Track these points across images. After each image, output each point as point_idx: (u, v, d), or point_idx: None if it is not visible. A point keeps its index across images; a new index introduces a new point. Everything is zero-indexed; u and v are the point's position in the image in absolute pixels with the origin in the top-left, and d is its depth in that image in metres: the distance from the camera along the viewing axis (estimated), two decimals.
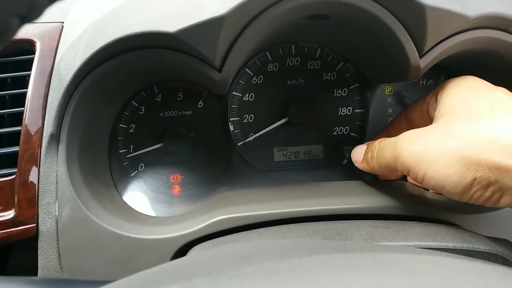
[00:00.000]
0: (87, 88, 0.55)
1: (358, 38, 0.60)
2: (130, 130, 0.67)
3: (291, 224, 0.52)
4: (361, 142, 0.63)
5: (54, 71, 0.57)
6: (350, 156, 0.63)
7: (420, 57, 0.53)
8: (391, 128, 0.63)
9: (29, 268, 0.56)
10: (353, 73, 0.70)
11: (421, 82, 0.72)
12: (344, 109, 0.71)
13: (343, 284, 0.24)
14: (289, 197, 0.58)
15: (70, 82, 0.54)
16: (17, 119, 0.57)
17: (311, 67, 0.70)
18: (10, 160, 0.56)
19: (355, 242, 0.45)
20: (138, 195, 0.66)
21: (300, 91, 0.70)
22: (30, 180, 0.55)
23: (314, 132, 0.71)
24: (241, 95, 0.69)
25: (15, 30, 0.25)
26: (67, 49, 0.57)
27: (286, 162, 0.71)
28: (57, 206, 0.54)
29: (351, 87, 0.71)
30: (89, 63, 0.53)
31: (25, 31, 0.60)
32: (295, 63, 0.70)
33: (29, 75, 0.58)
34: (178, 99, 0.68)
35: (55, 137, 0.55)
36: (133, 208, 0.64)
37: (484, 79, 0.51)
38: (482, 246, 0.45)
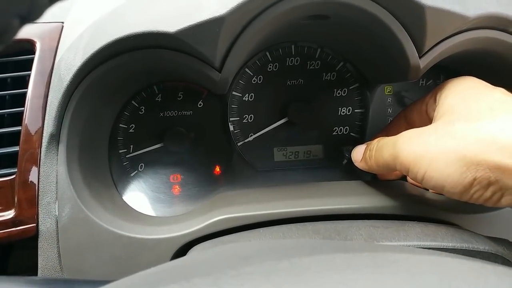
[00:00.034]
0: (87, 88, 0.55)
1: (358, 38, 0.60)
2: (130, 130, 0.67)
3: (291, 224, 0.52)
4: (361, 142, 0.63)
5: (54, 71, 0.57)
6: (350, 156, 0.63)
7: (420, 57, 0.53)
8: (390, 128, 0.63)
9: (29, 268, 0.56)
10: (353, 73, 0.70)
11: (420, 82, 0.72)
12: (344, 109, 0.71)
13: (343, 284, 0.24)
14: (289, 197, 0.58)
15: (70, 82, 0.54)
16: (17, 119, 0.57)
17: (311, 67, 0.70)
18: (10, 160, 0.56)
19: (355, 242, 0.45)
20: (138, 195, 0.66)
21: (300, 91, 0.70)
22: (30, 180, 0.55)
23: (314, 132, 0.71)
24: (241, 95, 0.69)
25: (16, 30, 0.25)
26: (67, 49, 0.57)
27: (286, 162, 0.71)
28: (57, 206, 0.54)
29: (351, 87, 0.71)
30: (89, 63, 0.53)
31: (25, 31, 0.60)
32: (295, 63, 0.70)
33: (29, 75, 0.58)
34: (178, 99, 0.68)
35: (55, 137, 0.55)
36: (133, 208, 0.64)
37: (483, 79, 0.51)
38: (481, 246, 0.45)
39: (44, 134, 0.56)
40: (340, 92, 0.71)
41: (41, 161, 0.55)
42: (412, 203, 0.56)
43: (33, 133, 0.56)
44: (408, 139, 0.49)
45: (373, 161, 0.55)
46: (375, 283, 0.25)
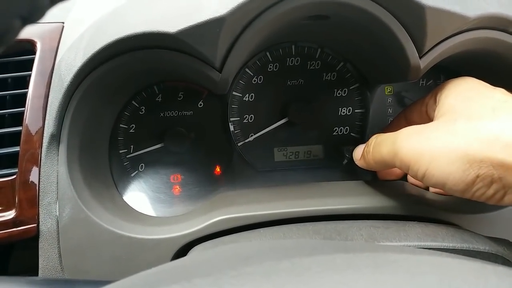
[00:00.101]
0: (88, 88, 0.55)
1: (358, 38, 0.60)
2: (131, 130, 0.67)
3: (292, 224, 0.52)
4: (361, 142, 0.63)
5: (54, 71, 0.57)
6: (351, 156, 0.63)
7: (420, 58, 0.53)
8: (390, 129, 0.62)
9: (30, 268, 0.56)
10: (353, 73, 0.70)
11: (421, 82, 0.72)
12: (344, 109, 0.71)
13: (344, 284, 0.24)
14: (289, 197, 0.58)
15: (70, 82, 0.54)
16: (18, 119, 0.57)
17: (311, 67, 0.70)
18: (11, 160, 0.56)
19: (356, 242, 0.45)
20: (139, 195, 0.66)
21: (300, 91, 0.70)
22: (30, 180, 0.55)
23: (314, 132, 0.71)
24: (241, 95, 0.69)
25: (17, 31, 0.25)
26: (68, 49, 0.57)
27: (286, 162, 0.71)
28: (57, 206, 0.54)
29: (351, 87, 0.71)
30: (89, 63, 0.53)
31: (26, 32, 0.59)
32: (295, 63, 0.70)
33: (29, 75, 0.58)
34: (179, 99, 0.68)
35: (55, 137, 0.55)
36: (133, 208, 0.64)
37: (483, 80, 0.51)
38: (482, 246, 0.45)
39: (44, 134, 0.56)
40: (340, 92, 0.71)
41: (41, 161, 0.55)
42: (413, 203, 0.56)
43: (33, 133, 0.56)
44: (408, 136, 0.49)
45: (371, 157, 0.55)
46: (375, 283, 0.25)
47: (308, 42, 0.69)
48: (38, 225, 0.54)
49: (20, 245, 0.58)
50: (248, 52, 0.60)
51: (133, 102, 0.67)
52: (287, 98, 0.69)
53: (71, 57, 0.55)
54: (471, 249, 0.44)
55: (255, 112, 0.69)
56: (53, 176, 0.55)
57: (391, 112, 0.72)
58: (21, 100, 0.57)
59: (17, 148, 0.56)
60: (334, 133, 0.71)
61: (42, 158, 0.55)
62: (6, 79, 0.59)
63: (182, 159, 0.68)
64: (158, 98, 0.68)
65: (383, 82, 0.69)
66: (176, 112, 0.68)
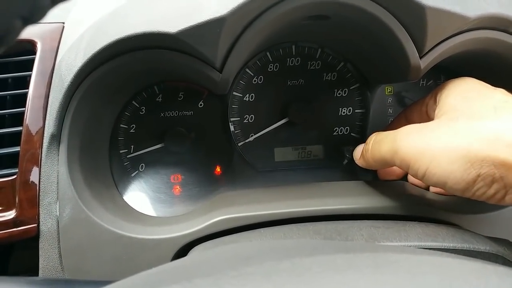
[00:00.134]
0: (88, 88, 0.55)
1: (358, 38, 0.60)
2: (131, 130, 0.67)
3: (292, 224, 0.52)
4: (361, 142, 0.63)
5: (55, 71, 0.57)
6: (351, 156, 0.63)
7: (420, 58, 0.53)
8: (391, 129, 0.62)
9: (30, 268, 0.56)
10: (354, 73, 0.70)
11: (421, 82, 0.72)
12: (344, 109, 0.71)
13: (344, 284, 0.24)
14: (290, 197, 0.58)
15: (71, 82, 0.54)
16: (18, 119, 0.57)
17: (311, 67, 0.70)
18: (11, 160, 0.56)
19: (356, 242, 0.45)
20: (139, 195, 0.66)
21: (300, 91, 0.70)
22: (31, 180, 0.55)
23: (314, 132, 0.71)
24: (241, 95, 0.69)
25: (18, 32, 0.25)
26: (68, 50, 0.57)
27: (287, 162, 0.71)
28: (58, 206, 0.54)
29: (351, 88, 0.71)
30: (90, 63, 0.53)
31: (26, 32, 0.59)
32: (296, 64, 0.70)
33: (30, 76, 0.58)
34: (179, 99, 0.68)
35: (56, 138, 0.55)
36: (133, 208, 0.64)
37: (483, 80, 0.51)
38: (482, 246, 0.45)
39: (45, 135, 0.56)
40: (341, 92, 0.71)
41: (42, 161, 0.55)
42: (413, 204, 0.56)
43: (34, 134, 0.56)
44: (408, 134, 0.49)
45: (369, 155, 0.55)
46: (376, 283, 0.25)
47: (308, 42, 0.69)
48: (38, 225, 0.55)
49: (20, 245, 0.58)
50: (249, 52, 0.60)
51: (134, 102, 0.67)
52: (288, 98, 0.69)
53: (72, 57, 0.55)
54: (472, 249, 0.44)
55: (255, 112, 0.69)
56: (54, 176, 0.55)
57: (391, 112, 0.72)
58: (21, 100, 0.57)
59: (17, 148, 0.56)
60: (335, 133, 0.71)
61: (42, 158, 0.55)
62: (6, 79, 0.59)
63: (182, 159, 0.68)
64: (159, 98, 0.68)
65: (384, 82, 0.69)
66: (176, 112, 0.68)
